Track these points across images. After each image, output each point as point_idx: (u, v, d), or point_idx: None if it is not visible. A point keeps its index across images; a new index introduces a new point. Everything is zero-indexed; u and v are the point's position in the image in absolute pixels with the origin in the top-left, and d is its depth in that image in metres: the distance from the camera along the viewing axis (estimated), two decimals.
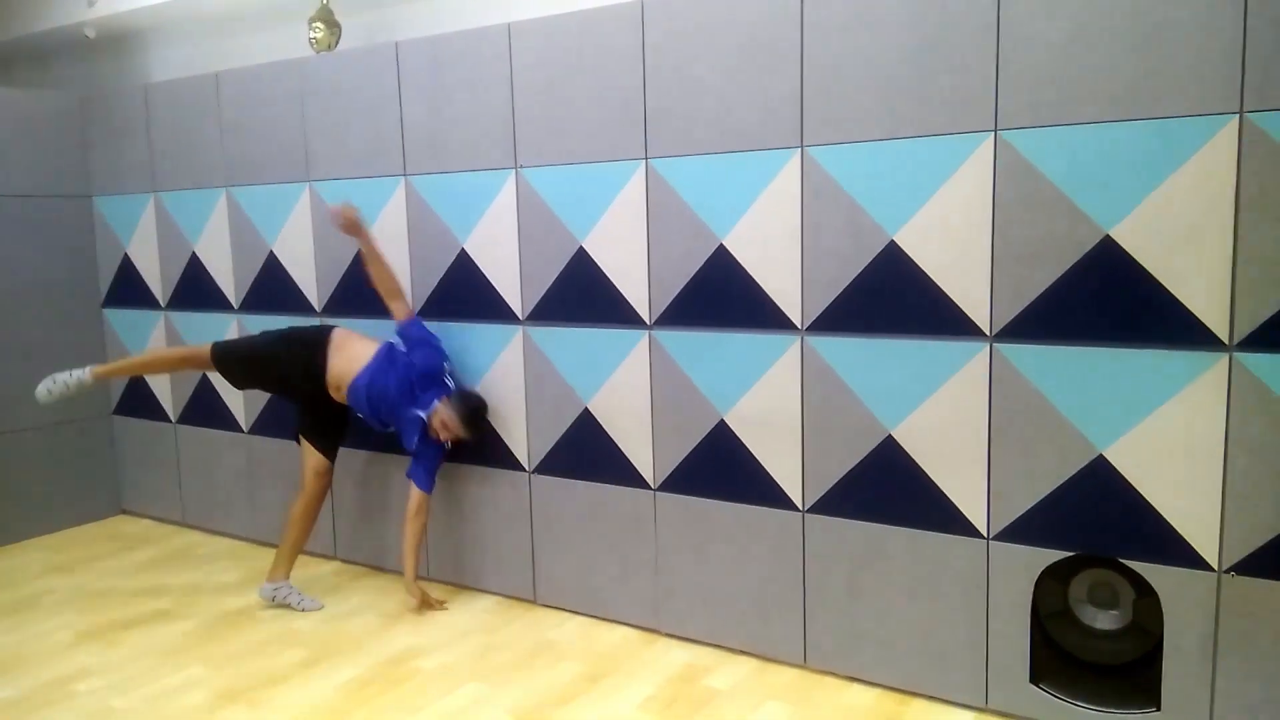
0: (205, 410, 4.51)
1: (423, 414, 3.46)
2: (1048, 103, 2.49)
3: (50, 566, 4.21)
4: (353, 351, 3.58)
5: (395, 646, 3.30)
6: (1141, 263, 2.43)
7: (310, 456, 3.67)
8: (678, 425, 3.20)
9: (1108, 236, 2.46)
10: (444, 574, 3.86)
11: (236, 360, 3.69)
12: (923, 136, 2.66)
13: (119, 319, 4.80)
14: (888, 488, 2.84)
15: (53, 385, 3.62)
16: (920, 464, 2.78)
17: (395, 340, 3.59)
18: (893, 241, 2.74)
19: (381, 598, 3.74)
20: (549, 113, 3.32)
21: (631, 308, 3.24)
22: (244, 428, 4.38)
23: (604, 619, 3.46)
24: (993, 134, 2.57)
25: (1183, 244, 2.38)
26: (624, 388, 3.29)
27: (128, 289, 4.72)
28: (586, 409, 3.40)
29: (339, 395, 3.59)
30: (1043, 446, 2.60)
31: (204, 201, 4.34)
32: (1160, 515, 2.48)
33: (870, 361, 2.82)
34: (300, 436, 3.72)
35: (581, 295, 3.35)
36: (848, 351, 2.85)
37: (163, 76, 5.06)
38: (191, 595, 3.83)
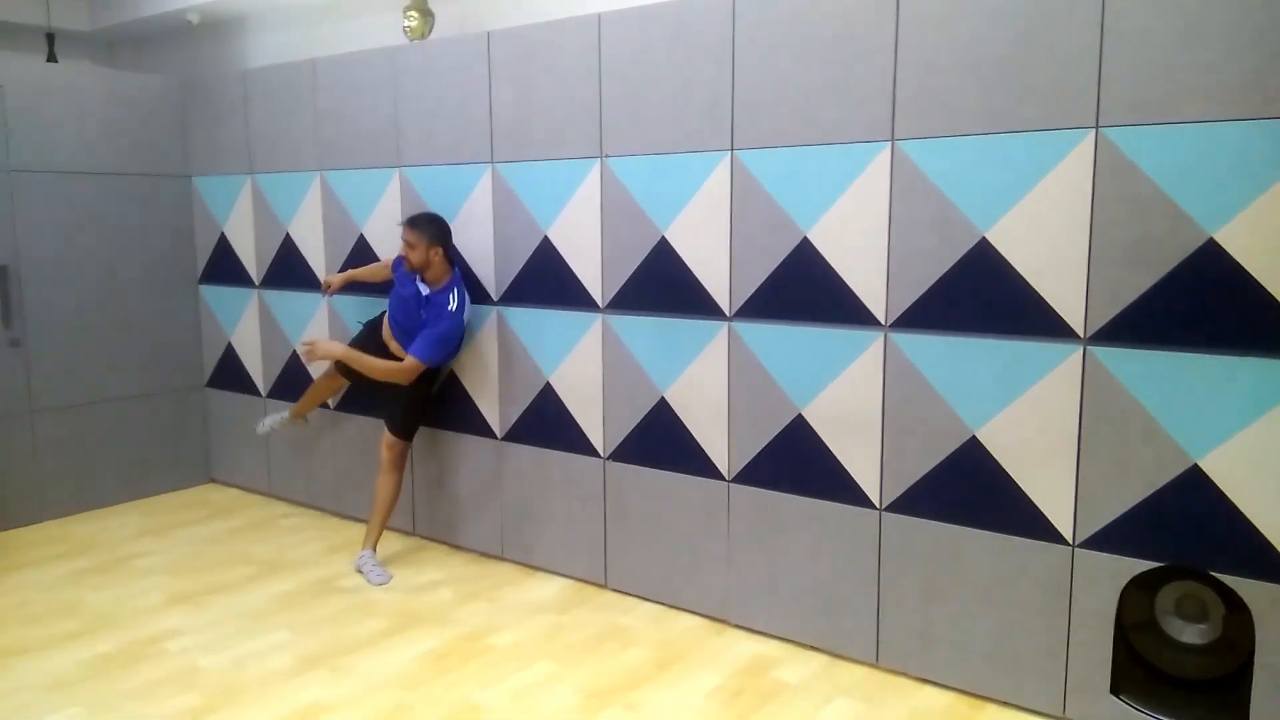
0: (295, 386, 4.65)
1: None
2: (1153, 100, 2.42)
3: (143, 530, 4.41)
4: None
5: (470, 622, 3.38)
6: (1246, 267, 2.35)
7: (383, 431, 3.86)
8: (755, 418, 3.20)
9: (1211, 240, 2.38)
10: (515, 555, 3.93)
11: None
12: (1020, 132, 2.61)
13: (214, 295, 4.99)
14: (969, 490, 2.80)
15: (264, 425, 4.46)
16: (1005, 466, 2.73)
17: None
18: (984, 239, 2.69)
19: (457, 574, 3.83)
20: (635, 103, 3.34)
21: (712, 299, 3.24)
22: (330, 404, 4.52)
23: (673, 606, 3.48)
24: (1094, 130, 2.51)
25: None
26: (701, 378, 3.31)
27: (223, 267, 4.90)
28: (663, 398, 3.42)
29: (394, 346, 3.84)
30: (1135, 453, 2.53)
31: (298, 184, 4.48)
32: (1255, 528, 2.40)
33: (956, 360, 2.78)
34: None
35: (662, 285, 3.37)
36: (933, 349, 2.82)
37: (260, 62, 5.23)
38: (276, 562, 3.98)
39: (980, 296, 2.72)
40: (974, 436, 2.77)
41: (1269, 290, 2.33)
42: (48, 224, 4.44)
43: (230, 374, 4.98)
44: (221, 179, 4.83)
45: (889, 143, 2.83)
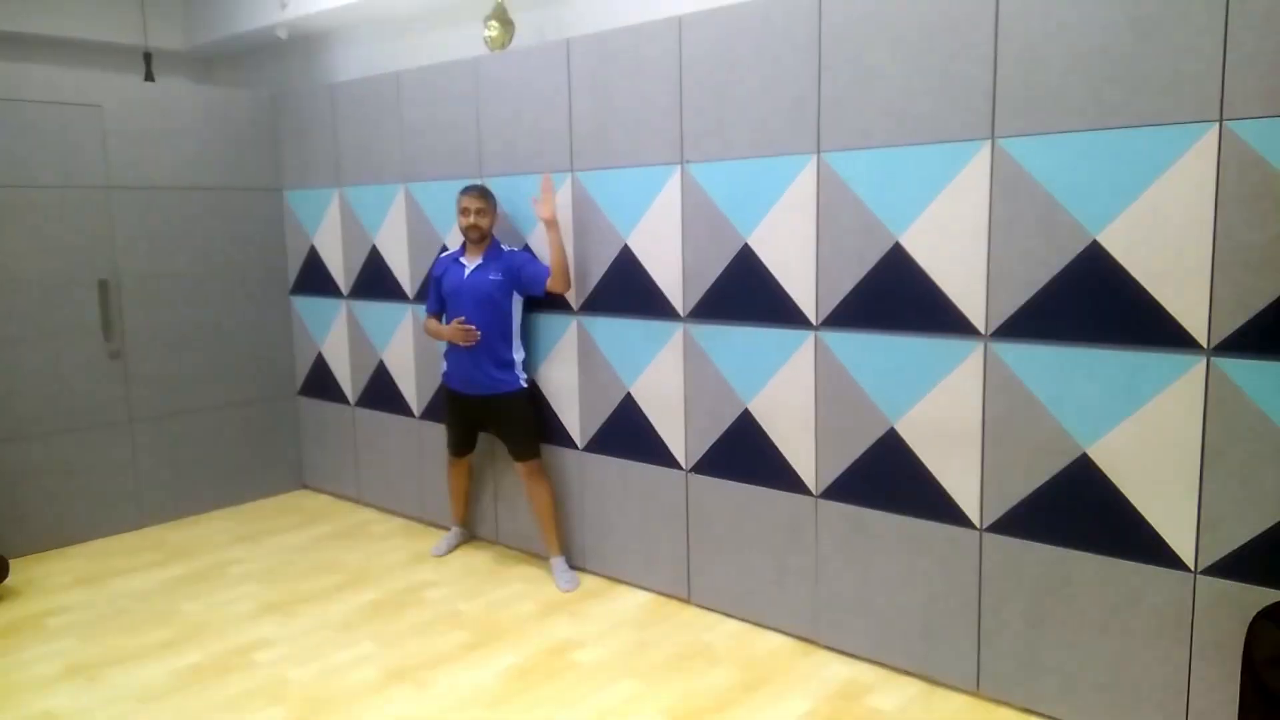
0: (381, 394, 4.71)
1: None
2: None
3: (236, 536, 4.51)
4: None
5: (553, 636, 3.33)
6: None
7: (513, 463, 4.02)
8: (843, 430, 3.07)
9: None
10: (596, 567, 3.87)
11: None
12: (1134, 127, 2.42)
13: (305, 306, 5.08)
14: (1079, 510, 2.62)
15: (440, 549, 4.25)
16: (1119, 486, 2.55)
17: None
18: (1095, 241, 2.51)
19: (538, 586, 3.80)
20: (718, 106, 3.25)
21: (797, 307, 3.13)
22: (415, 413, 4.55)
23: (759, 624, 3.37)
24: (1217, 124, 2.31)
25: None
26: (787, 389, 3.19)
27: (313, 278, 4.99)
28: (747, 409, 3.32)
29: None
30: (1266, 472, 2.32)
31: (383, 196, 4.52)
32: None
33: (1063, 371, 2.60)
34: None
35: (745, 293, 3.27)
36: (1038, 359, 2.65)
37: (347, 75, 5.31)
38: (364, 571, 4.01)
39: (1091, 303, 2.54)
40: (1085, 454, 2.59)
41: None
42: (145, 238, 4.58)
43: (321, 382, 5.06)
44: (311, 192, 4.91)
45: (989, 140, 2.67)
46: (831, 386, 3.09)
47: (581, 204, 3.71)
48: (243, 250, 4.96)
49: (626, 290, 3.61)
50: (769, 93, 3.12)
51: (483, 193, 3.80)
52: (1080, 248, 2.53)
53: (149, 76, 5.29)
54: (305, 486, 5.27)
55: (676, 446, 3.55)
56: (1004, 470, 2.74)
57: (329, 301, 4.92)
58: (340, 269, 4.83)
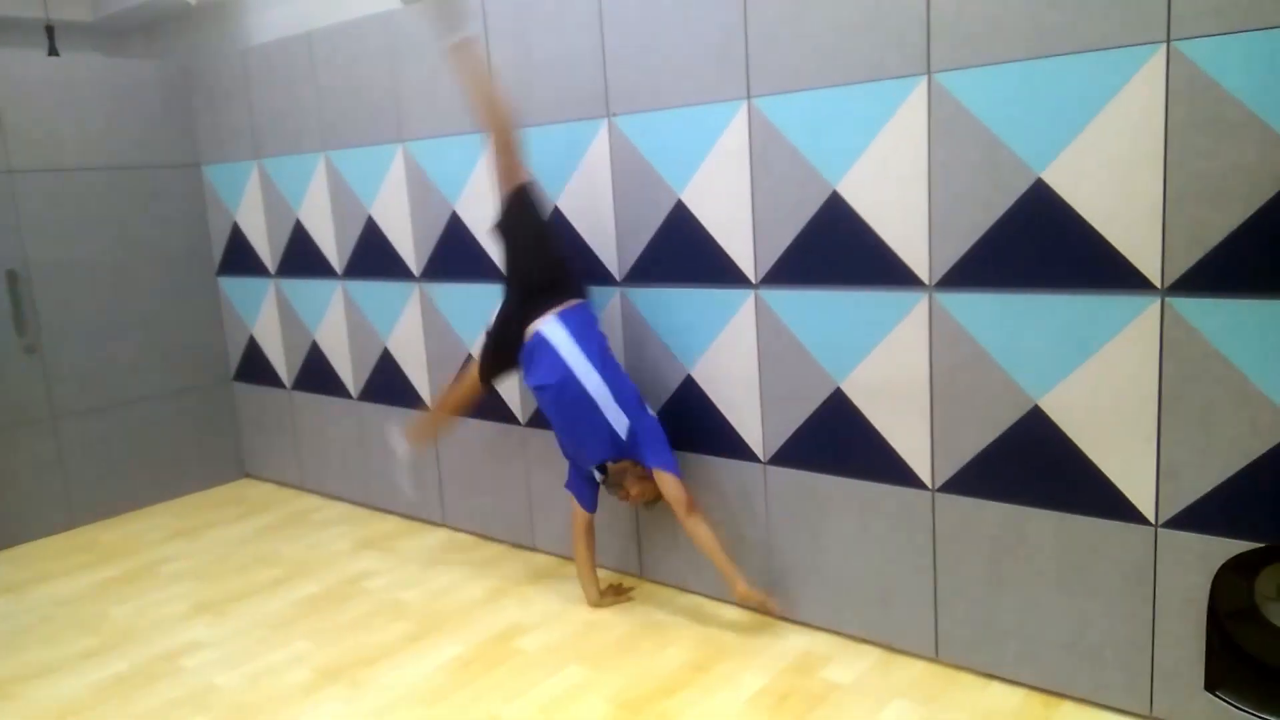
0: (317, 376, 4.50)
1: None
2: (1233, 4, 2.04)
3: (173, 532, 4.31)
4: None
5: (498, 623, 3.18)
6: None
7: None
8: (789, 393, 2.92)
9: None
10: (548, 545, 3.72)
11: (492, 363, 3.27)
12: (1076, 53, 2.24)
13: (233, 287, 4.84)
14: (1034, 466, 2.48)
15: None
16: (1073, 438, 2.41)
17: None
18: (1040, 180, 2.34)
19: (486, 569, 3.64)
20: (642, 54, 3.03)
21: (735, 265, 2.94)
22: (353, 394, 4.35)
23: (713, 598, 3.24)
24: (1164, 45, 2.13)
25: None
26: (729, 353, 3.02)
27: (239, 257, 4.74)
28: (690, 376, 3.15)
29: None
30: (1226, 418, 2.19)
31: (304, 166, 4.27)
32: None
33: (1011, 320, 2.45)
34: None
35: (683, 253, 3.08)
36: (985, 309, 2.49)
37: (263, 39, 5.01)
38: (304, 562, 3.83)
39: (1037, 246, 2.38)
40: (1036, 406, 2.44)
41: None
42: (55, 225, 4.31)
43: (255, 367, 4.84)
44: (230, 166, 4.64)
45: (925, 76, 2.48)
46: (775, 348, 2.92)
47: None
48: (162, 231, 4.70)
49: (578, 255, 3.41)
50: (694, 37, 2.90)
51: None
52: (1025, 187, 2.36)
53: (52, 51, 4.96)
54: (247, 475, 5.07)
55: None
56: (954, 427, 2.60)
57: (257, 281, 4.68)
58: (266, 246, 4.59)
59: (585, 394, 2.97)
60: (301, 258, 4.41)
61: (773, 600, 2.96)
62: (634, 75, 3.07)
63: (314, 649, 3.10)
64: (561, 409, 3.03)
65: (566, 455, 3.17)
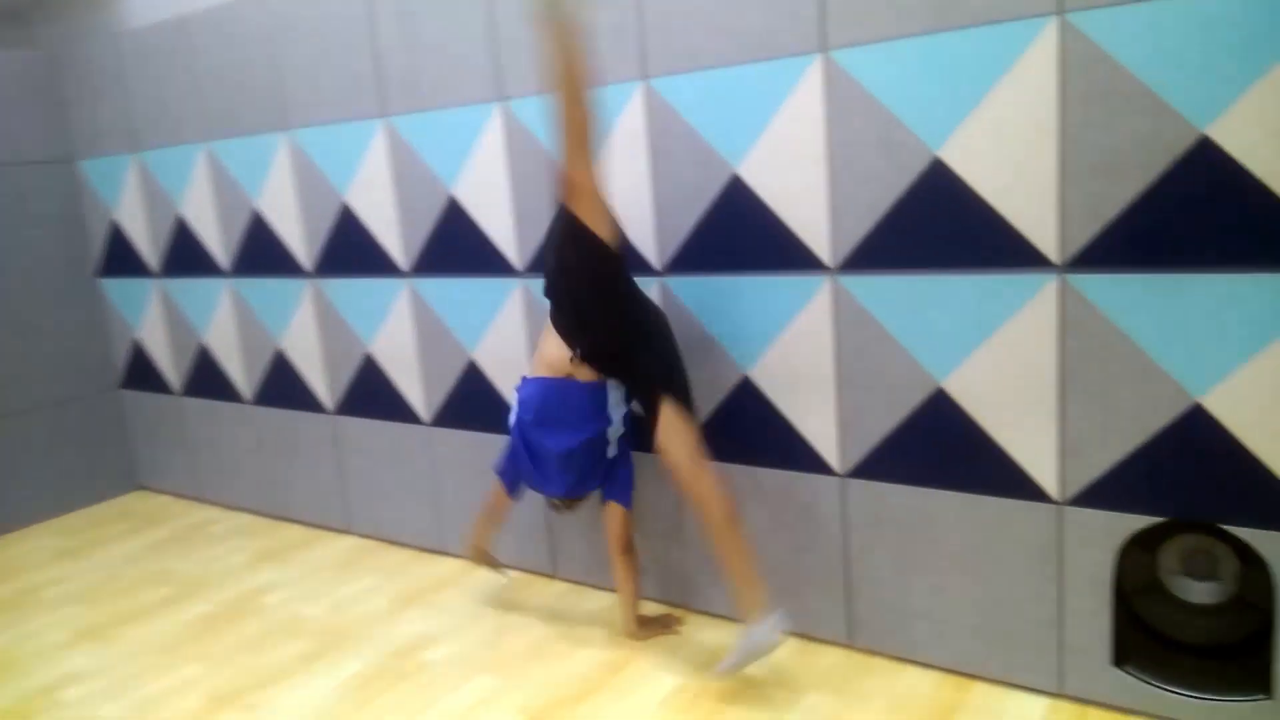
0: (209, 380, 4.26)
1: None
2: None
3: (59, 552, 4.04)
4: None
5: (403, 635, 3.04)
6: (1248, 168, 1.97)
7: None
8: (698, 383, 2.82)
9: (1205, 137, 2.00)
10: (459, 548, 3.58)
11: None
12: (968, 27, 2.20)
13: (114, 289, 4.55)
14: (939, 447, 2.45)
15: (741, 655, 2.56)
16: (977, 419, 2.38)
17: None
18: (937, 158, 2.29)
19: (392, 577, 3.49)
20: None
21: (639, 254, 2.85)
22: (247, 398, 4.13)
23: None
24: (1056, 17, 2.10)
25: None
26: None
27: (120, 257, 4.46)
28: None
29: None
30: (1127, 393, 2.18)
31: (184, 159, 4.02)
32: (1271, 472, 2.06)
33: (914, 302, 2.40)
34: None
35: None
36: (888, 291, 2.44)
37: (140, 24, 4.71)
38: (198, 579, 3.62)
39: (937, 226, 2.34)
40: (940, 388, 2.41)
41: (1278, 192, 1.95)
42: None
43: (142, 372, 4.57)
44: (107, 160, 4.35)
45: (820, 54, 2.41)
46: (682, 337, 2.83)
47: (399, 152, 3.32)
48: (35, 232, 4.38)
49: (463, 248, 3.26)
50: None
51: None
52: (922, 166, 2.32)
53: None
54: (141, 487, 4.79)
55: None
56: (861, 412, 2.55)
57: (140, 282, 4.40)
58: (148, 244, 4.32)
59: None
60: (186, 256, 4.16)
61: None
62: (528, 56, 2.94)
63: (205, 673, 2.91)
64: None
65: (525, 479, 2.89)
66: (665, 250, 2.80)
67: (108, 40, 4.20)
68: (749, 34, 2.51)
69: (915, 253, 2.38)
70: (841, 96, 2.40)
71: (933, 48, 2.25)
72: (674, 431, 2.57)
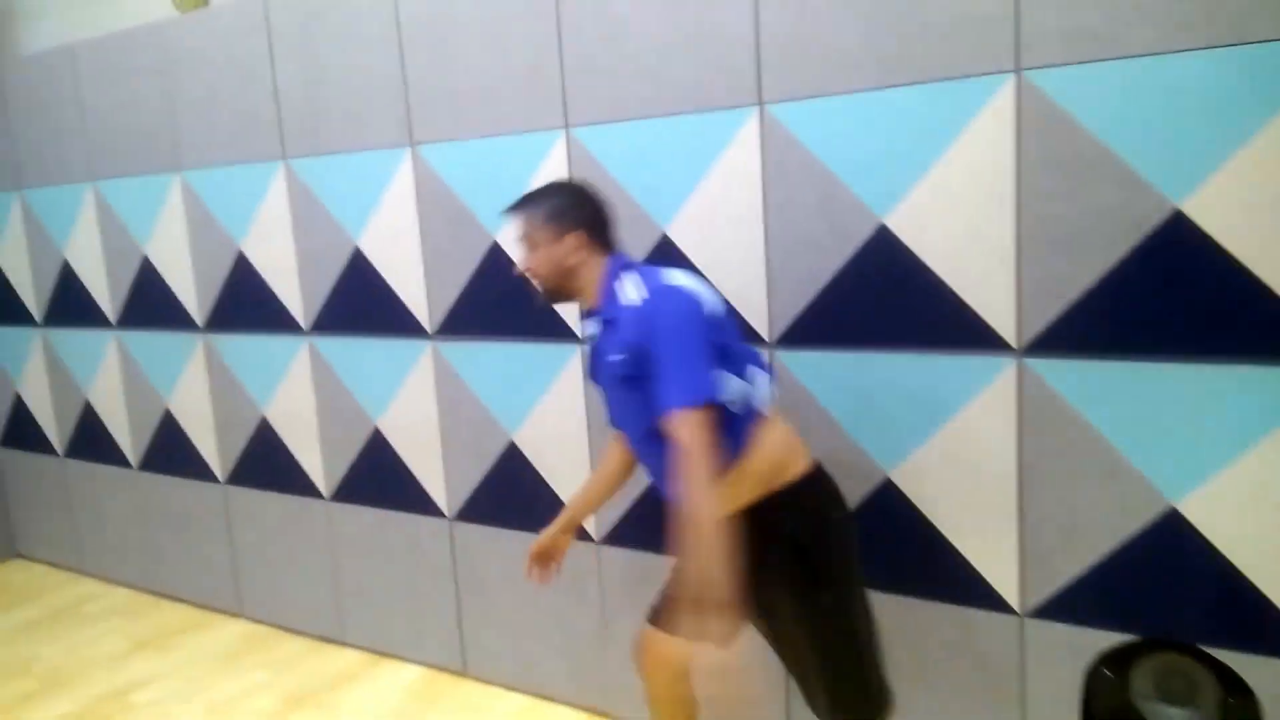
0: (93, 441, 3.86)
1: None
2: (1085, 30, 1.81)
3: None
4: None
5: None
6: (1227, 247, 1.76)
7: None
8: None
9: (1179, 212, 1.78)
10: (358, 640, 3.22)
11: None
12: (917, 84, 1.97)
13: None
14: (890, 545, 2.18)
15: None
16: (928, 515, 2.12)
17: None
18: (883, 225, 2.05)
19: (284, 672, 3.11)
20: (445, 75, 2.63)
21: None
22: (133, 463, 3.73)
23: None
24: (1014, 75, 1.88)
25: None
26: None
27: (0, 302, 4.05)
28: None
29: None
30: (1093, 495, 1.94)
31: (70, 199, 3.66)
32: (1256, 588, 1.83)
33: (858, 383, 2.15)
34: None
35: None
36: (830, 368, 2.19)
37: (28, 51, 4.35)
38: (64, 670, 3.21)
39: (883, 301, 2.10)
40: (888, 478, 2.15)
41: (1260, 276, 1.74)
42: None
43: (21, 430, 4.15)
44: None
45: (756, 107, 2.18)
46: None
47: (300, 198, 3.01)
48: None
49: (368, 305, 2.95)
50: (503, 56, 2.53)
51: (520, 205, 1.94)
52: (868, 234, 2.08)
53: None
54: (19, 555, 4.34)
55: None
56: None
57: (20, 331, 4.00)
58: (30, 290, 3.93)
59: None
60: (71, 304, 3.78)
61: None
62: (438, 98, 2.66)
63: None
64: None
65: None
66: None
67: None
68: (678, 84, 2.26)
69: (859, 329, 2.13)
70: (779, 154, 2.16)
71: (880, 105, 2.02)
72: None
